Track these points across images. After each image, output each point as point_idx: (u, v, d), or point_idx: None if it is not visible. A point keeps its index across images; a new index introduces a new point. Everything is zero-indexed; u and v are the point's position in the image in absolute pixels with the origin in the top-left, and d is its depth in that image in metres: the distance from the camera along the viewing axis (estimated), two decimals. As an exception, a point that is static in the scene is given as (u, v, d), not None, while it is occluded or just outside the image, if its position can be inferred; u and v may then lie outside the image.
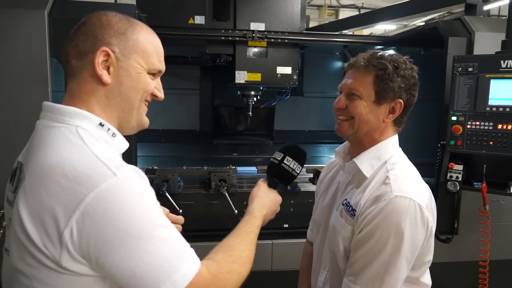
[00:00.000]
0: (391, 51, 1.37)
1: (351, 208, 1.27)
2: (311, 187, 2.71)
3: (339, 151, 1.44)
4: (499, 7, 10.06)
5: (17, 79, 1.95)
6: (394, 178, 1.22)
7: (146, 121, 1.03)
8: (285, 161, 1.30)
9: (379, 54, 1.28)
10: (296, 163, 1.31)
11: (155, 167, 2.60)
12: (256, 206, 1.22)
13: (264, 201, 1.26)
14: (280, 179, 1.33)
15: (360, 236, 1.21)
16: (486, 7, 2.66)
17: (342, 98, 1.31)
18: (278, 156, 1.32)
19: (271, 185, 1.33)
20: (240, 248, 1.04)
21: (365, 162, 1.29)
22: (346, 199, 1.31)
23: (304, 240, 1.73)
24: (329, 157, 3.54)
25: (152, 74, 1.00)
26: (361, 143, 1.33)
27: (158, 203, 0.89)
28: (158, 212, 0.87)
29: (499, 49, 2.04)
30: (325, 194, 1.49)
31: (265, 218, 1.24)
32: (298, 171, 1.32)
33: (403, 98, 1.26)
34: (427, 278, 1.35)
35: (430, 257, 1.31)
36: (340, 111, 1.32)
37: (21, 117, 1.94)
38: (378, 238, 1.17)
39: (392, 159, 1.29)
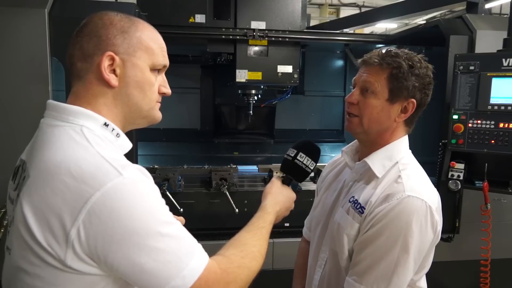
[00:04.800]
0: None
1: (359, 205, 1.24)
2: (312, 186, 2.70)
3: (347, 151, 1.41)
4: (501, 6, 10.04)
5: (18, 78, 1.96)
6: (406, 178, 1.20)
7: (158, 117, 1.04)
8: (298, 157, 1.30)
9: (393, 52, 1.25)
10: (310, 159, 1.30)
11: (156, 166, 2.60)
12: (269, 202, 1.22)
13: (278, 197, 1.25)
14: (293, 175, 1.32)
15: (368, 234, 1.19)
16: (487, 5, 2.65)
17: (355, 93, 1.27)
18: (292, 152, 1.31)
19: (285, 181, 1.32)
20: (251, 243, 1.04)
21: (377, 162, 1.26)
22: (353, 197, 1.28)
23: (304, 239, 1.73)
24: (330, 156, 3.53)
25: (157, 70, 1.00)
26: (372, 143, 1.30)
27: (163, 201, 0.90)
28: (164, 209, 0.88)
29: (500, 48, 2.03)
30: (328, 192, 1.47)
31: (279, 215, 1.23)
32: (311, 168, 1.31)
33: (416, 97, 1.23)
34: (423, 283, 1.33)
35: (430, 262, 1.30)
36: (351, 107, 1.28)
37: (22, 116, 1.95)
38: (387, 237, 1.15)
39: (404, 160, 1.27)
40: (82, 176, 0.81)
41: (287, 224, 2.49)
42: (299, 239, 1.75)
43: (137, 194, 0.84)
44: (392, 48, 1.29)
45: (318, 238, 1.44)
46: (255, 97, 3.04)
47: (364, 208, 1.23)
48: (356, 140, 1.40)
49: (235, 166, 2.73)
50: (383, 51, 1.26)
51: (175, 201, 2.35)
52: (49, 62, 1.97)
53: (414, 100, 1.23)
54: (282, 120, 3.67)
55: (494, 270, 2.18)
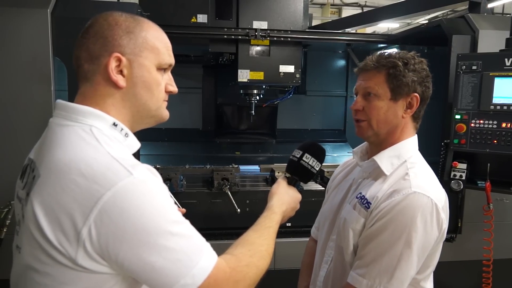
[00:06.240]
0: (395, 49, 1.37)
1: (366, 200, 1.26)
2: (314, 186, 2.70)
3: (357, 151, 1.44)
4: (503, 5, 10.02)
5: (20, 78, 1.96)
6: (413, 175, 1.23)
7: (166, 115, 1.05)
8: (303, 158, 1.31)
9: (386, 53, 1.29)
10: (315, 160, 1.31)
11: (158, 166, 2.59)
12: (275, 202, 1.23)
13: (284, 197, 1.26)
14: (299, 176, 1.33)
15: (373, 229, 1.21)
16: (490, 5, 2.65)
17: (358, 99, 1.31)
18: (297, 153, 1.33)
19: (290, 182, 1.32)
20: (258, 243, 1.05)
21: (385, 160, 1.29)
22: (361, 193, 1.30)
23: (307, 239, 1.73)
24: (332, 156, 3.54)
25: (163, 69, 1.01)
26: (383, 143, 1.32)
27: (172, 200, 0.90)
28: (173, 209, 0.89)
29: (503, 47, 2.03)
30: (337, 189, 1.49)
31: (285, 215, 1.24)
32: (317, 168, 1.32)
33: (418, 91, 1.27)
34: (429, 285, 1.33)
35: (435, 262, 1.30)
36: (357, 113, 1.31)
37: (24, 115, 1.94)
38: (391, 232, 1.17)
39: (412, 159, 1.30)
40: (93, 176, 0.82)
41: (289, 224, 2.49)
42: (301, 239, 1.76)
43: (147, 193, 0.84)
44: (386, 51, 1.31)
45: (325, 235, 1.46)
46: (257, 97, 3.04)
47: (370, 203, 1.24)
48: (367, 142, 1.42)
49: (237, 166, 2.73)
50: (376, 54, 1.30)
51: (177, 201, 2.35)
52: (52, 62, 1.97)
53: (417, 94, 1.27)
54: (284, 120, 3.67)
55: (496, 270, 2.17)
